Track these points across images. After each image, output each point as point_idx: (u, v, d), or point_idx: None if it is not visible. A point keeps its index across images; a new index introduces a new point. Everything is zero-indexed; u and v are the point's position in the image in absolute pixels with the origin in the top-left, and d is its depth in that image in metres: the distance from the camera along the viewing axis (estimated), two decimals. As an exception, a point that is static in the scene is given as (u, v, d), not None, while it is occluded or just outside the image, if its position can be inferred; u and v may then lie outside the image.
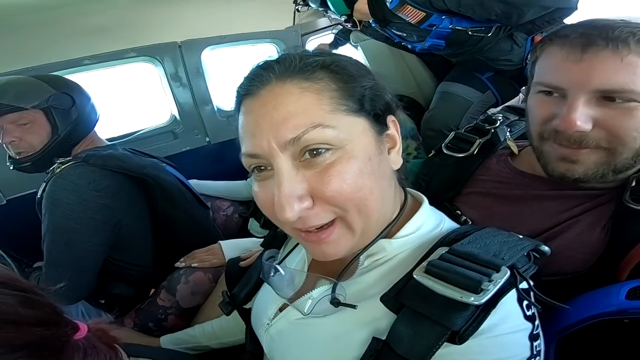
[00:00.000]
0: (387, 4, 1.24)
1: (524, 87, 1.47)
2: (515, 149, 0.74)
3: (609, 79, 0.55)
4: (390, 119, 0.51)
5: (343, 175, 0.42)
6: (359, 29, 1.48)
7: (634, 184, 0.58)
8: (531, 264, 0.44)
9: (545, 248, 0.47)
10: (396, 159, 0.51)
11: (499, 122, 0.78)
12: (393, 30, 1.39)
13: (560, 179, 0.61)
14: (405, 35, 1.38)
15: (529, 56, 1.30)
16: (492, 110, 1.23)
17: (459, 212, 0.71)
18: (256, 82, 0.47)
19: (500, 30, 1.23)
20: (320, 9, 1.47)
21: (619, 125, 0.56)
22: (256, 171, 0.47)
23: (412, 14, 1.22)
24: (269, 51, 1.95)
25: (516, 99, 1.53)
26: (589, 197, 0.61)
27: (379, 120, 0.48)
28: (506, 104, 1.08)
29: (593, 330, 0.49)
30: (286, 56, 0.48)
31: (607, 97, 0.56)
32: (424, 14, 1.21)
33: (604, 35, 0.55)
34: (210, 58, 1.82)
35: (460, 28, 1.22)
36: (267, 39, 1.92)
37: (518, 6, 1.05)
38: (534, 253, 0.46)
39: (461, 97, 1.46)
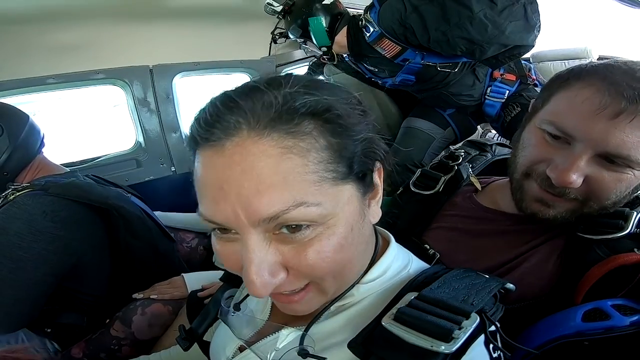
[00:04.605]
0: (366, 37, 1.32)
1: (480, 124, 1.59)
2: (479, 186, 0.78)
3: (626, 143, 0.51)
4: (377, 166, 0.45)
5: (322, 252, 0.38)
6: (335, 62, 1.55)
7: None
8: (498, 304, 0.45)
9: (511, 286, 0.48)
10: (375, 211, 0.46)
11: (461, 159, 0.83)
12: (366, 65, 1.47)
13: (530, 216, 0.62)
14: (376, 70, 1.45)
15: (488, 90, 1.41)
16: (454, 146, 1.30)
17: (427, 245, 0.72)
18: (218, 128, 0.36)
19: (465, 66, 1.34)
20: (299, 40, 1.53)
21: (605, 187, 0.55)
22: (218, 231, 0.40)
23: (388, 48, 1.30)
24: (243, 81, 1.95)
25: (475, 134, 1.64)
26: (545, 230, 0.65)
27: (365, 179, 0.43)
28: (467, 139, 1.15)
29: (559, 354, 0.51)
30: (262, 93, 0.37)
31: (608, 159, 0.53)
32: (399, 48, 1.29)
33: None
34: (181, 84, 1.79)
35: (430, 63, 1.32)
36: (242, 68, 1.92)
37: (480, 43, 1.14)
38: (501, 290, 0.47)
39: (424, 133, 1.54)
